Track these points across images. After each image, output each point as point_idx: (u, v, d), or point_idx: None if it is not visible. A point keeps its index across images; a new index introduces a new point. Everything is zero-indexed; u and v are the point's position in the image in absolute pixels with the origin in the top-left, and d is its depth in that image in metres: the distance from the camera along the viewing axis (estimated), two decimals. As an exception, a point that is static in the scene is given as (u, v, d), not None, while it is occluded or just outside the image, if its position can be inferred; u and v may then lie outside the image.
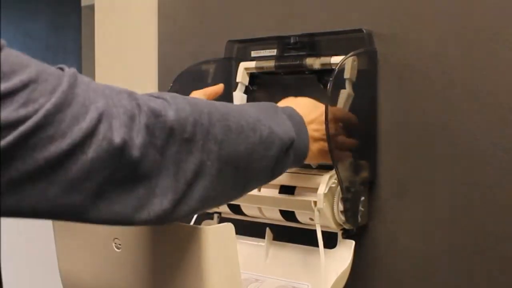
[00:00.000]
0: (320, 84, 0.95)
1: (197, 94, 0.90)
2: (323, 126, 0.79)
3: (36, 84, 0.48)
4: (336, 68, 0.84)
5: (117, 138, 0.51)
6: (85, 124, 0.49)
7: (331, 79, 0.83)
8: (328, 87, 0.83)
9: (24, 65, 0.48)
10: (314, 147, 0.78)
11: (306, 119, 0.76)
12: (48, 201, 0.50)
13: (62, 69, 0.53)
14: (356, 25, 0.92)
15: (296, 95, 0.86)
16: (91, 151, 0.50)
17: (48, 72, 0.50)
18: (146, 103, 0.55)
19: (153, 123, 0.54)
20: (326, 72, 0.90)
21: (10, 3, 3.75)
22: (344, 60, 0.86)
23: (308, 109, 0.79)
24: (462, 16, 0.84)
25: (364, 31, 0.91)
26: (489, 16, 0.82)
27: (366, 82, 0.92)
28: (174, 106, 0.57)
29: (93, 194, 0.51)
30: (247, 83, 1.01)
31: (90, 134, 0.50)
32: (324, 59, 0.88)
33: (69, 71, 0.52)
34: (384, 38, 0.91)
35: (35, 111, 0.47)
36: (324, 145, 0.80)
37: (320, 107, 0.81)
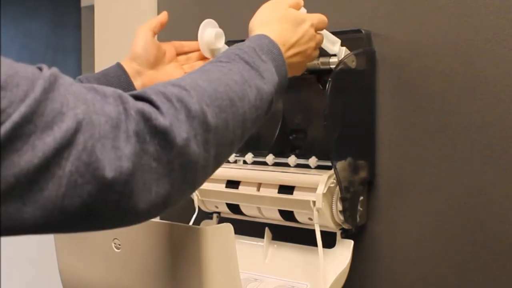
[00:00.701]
0: (319, 84, 0.95)
1: (143, 29, 0.87)
2: (303, 48, 0.77)
3: (3, 91, 0.43)
4: (334, 68, 0.85)
5: (100, 150, 0.46)
6: (59, 134, 0.44)
7: (329, 79, 0.83)
8: (326, 87, 0.83)
9: None
10: (289, 73, 0.74)
11: (287, 44, 0.74)
12: (25, 222, 0.45)
13: (41, 69, 0.48)
14: (355, 25, 0.92)
15: (295, 95, 0.86)
16: (69, 164, 0.44)
17: (20, 75, 0.44)
18: (135, 106, 0.50)
19: (143, 128, 0.49)
20: (325, 72, 0.90)
21: (10, 3, 3.75)
22: (343, 60, 0.86)
23: (289, 31, 0.75)
24: (461, 16, 0.85)
25: (363, 31, 0.91)
26: (488, 16, 0.82)
27: (365, 82, 0.92)
28: (163, 107, 0.51)
29: (76, 213, 0.46)
30: None
31: (66, 145, 0.44)
32: (323, 59, 0.88)
33: (47, 72, 0.47)
34: (382, 38, 0.91)
35: (1, 123, 0.42)
36: (299, 71, 0.79)
37: (302, 25, 0.77)
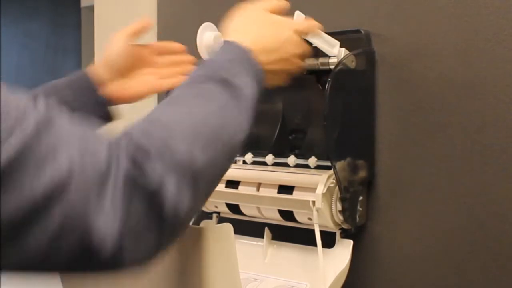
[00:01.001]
0: (318, 84, 0.95)
1: (119, 35, 0.83)
2: (284, 55, 0.72)
3: None
4: (334, 68, 0.85)
5: (86, 206, 0.44)
6: (45, 183, 0.42)
7: (329, 79, 0.83)
8: (326, 87, 0.83)
9: None
10: (269, 80, 0.70)
11: (264, 50, 0.68)
12: (3, 267, 0.43)
13: (36, 100, 0.45)
14: (354, 25, 0.92)
15: (295, 95, 0.86)
16: (55, 216, 0.42)
17: (10, 107, 0.42)
18: (127, 151, 0.48)
19: (132, 186, 0.46)
20: (324, 72, 0.91)
21: (10, 3, 3.75)
22: (342, 60, 0.86)
23: (267, 37, 0.71)
24: (461, 16, 0.85)
25: (362, 31, 0.91)
26: (488, 16, 0.82)
27: (364, 82, 0.92)
28: (154, 157, 0.48)
29: (59, 265, 0.45)
30: None
31: (56, 190, 0.42)
32: (322, 60, 0.88)
33: (41, 107, 0.44)
34: (382, 39, 0.91)
35: None
36: (281, 80, 0.76)
37: (282, 31, 0.73)
